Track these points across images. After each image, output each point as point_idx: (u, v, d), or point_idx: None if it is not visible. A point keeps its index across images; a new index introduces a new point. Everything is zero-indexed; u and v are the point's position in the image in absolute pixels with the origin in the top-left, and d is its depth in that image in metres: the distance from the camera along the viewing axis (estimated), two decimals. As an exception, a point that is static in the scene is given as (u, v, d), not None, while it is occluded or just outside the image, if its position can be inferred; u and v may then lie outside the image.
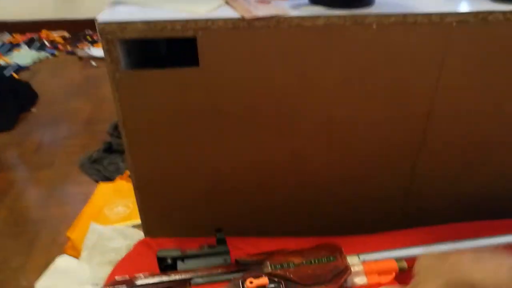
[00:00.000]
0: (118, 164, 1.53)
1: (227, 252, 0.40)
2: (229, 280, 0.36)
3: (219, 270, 0.37)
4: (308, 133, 0.53)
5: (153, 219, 0.55)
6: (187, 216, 0.50)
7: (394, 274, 0.41)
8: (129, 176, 0.53)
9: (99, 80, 2.34)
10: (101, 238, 1.00)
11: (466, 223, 0.57)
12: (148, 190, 0.54)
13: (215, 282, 0.36)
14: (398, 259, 0.43)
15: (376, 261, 0.42)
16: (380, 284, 0.38)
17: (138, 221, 1.18)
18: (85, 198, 1.34)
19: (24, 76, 2.35)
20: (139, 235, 1.09)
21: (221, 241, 0.41)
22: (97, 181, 1.45)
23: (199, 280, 0.36)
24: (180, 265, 0.39)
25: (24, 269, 1.11)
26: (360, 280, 0.40)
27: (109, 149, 1.62)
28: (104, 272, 0.89)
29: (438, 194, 0.63)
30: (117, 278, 0.36)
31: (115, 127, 1.77)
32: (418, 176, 0.59)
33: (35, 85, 2.18)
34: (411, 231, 0.55)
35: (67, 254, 1.09)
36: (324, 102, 0.50)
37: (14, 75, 2.37)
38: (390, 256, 0.43)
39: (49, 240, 1.21)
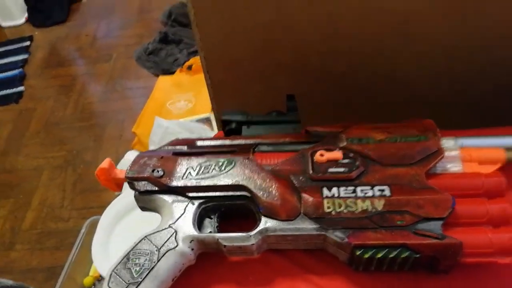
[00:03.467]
0: (176, 55, 1.57)
1: (297, 121, 0.40)
2: (297, 151, 0.37)
3: (287, 139, 0.38)
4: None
5: (226, 106, 0.56)
6: (265, 100, 0.50)
7: (499, 165, 0.38)
8: (199, 56, 0.52)
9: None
10: (166, 132, 1.09)
11: None
12: (221, 71, 0.53)
13: (281, 151, 0.37)
14: (508, 148, 0.39)
15: (478, 147, 0.39)
16: (479, 176, 0.36)
17: (201, 115, 1.26)
18: (146, 92, 1.44)
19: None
20: (204, 129, 1.17)
21: (292, 109, 0.41)
22: (156, 75, 1.53)
23: (264, 148, 0.38)
24: (244, 130, 0.41)
25: (96, 163, 1.28)
26: (454, 167, 0.38)
27: (164, 39, 1.65)
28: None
29: None
30: (178, 139, 0.39)
31: (169, 15, 1.78)
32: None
33: (82, -28, 2.21)
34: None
35: (134, 149, 1.22)
36: None
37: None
38: (497, 143, 0.40)
39: (116, 135, 1.36)
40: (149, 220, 0.87)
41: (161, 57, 1.58)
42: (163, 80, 1.43)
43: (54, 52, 1.81)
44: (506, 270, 0.33)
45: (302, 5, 0.47)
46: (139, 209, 0.93)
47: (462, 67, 0.53)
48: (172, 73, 1.48)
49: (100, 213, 0.94)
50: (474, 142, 0.40)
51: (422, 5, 0.47)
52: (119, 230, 0.92)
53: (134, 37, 1.79)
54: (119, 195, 1.02)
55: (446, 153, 0.37)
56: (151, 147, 1.13)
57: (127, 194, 0.94)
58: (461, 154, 0.38)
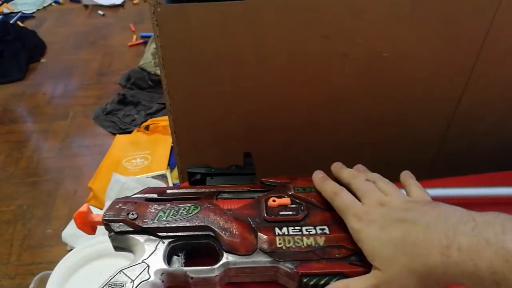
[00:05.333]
0: (133, 115, 1.61)
1: (253, 173, 0.46)
2: (253, 198, 0.43)
3: (245, 188, 0.44)
4: (351, 72, 0.56)
5: (190, 161, 0.61)
6: (224, 157, 0.56)
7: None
8: (168, 116, 0.58)
9: (107, 30, 2.39)
10: (123, 188, 1.10)
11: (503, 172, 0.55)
12: (186, 132, 0.59)
13: (240, 198, 0.43)
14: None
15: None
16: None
17: (157, 172, 1.28)
18: (102, 149, 1.44)
19: (29, 24, 2.42)
20: (160, 185, 1.20)
21: (249, 163, 0.47)
22: (112, 133, 1.55)
23: (226, 195, 0.43)
24: (208, 181, 0.46)
25: (49, 217, 1.24)
26: (379, 211, 0.45)
27: (123, 100, 1.70)
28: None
29: (477, 140, 0.66)
30: (149, 188, 0.43)
31: (128, 79, 1.85)
32: (457, 119, 0.63)
33: (42, 34, 2.25)
34: (439, 180, 0.57)
35: (90, 204, 1.20)
36: (372, 36, 0.53)
37: (20, 23, 2.44)
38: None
39: (71, 190, 1.33)
40: (100, 274, 0.86)
41: (119, 117, 1.62)
42: (121, 138, 1.46)
43: (8, 108, 1.78)
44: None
45: (251, 81, 0.56)
46: (90, 265, 0.92)
47: (379, 137, 0.64)
48: (130, 132, 1.51)
49: (50, 269, 0.90)
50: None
51: (347, 86, 0.58)
52: (71, 286, 0.89)
53: (92, 97, 1.82)
54: (71, 250, 0.99)
55: (373, 200, 0.44)
56: (107, 203, 1.12)
57: (79, 249, 0.93)
58: (385, 201, 0.45)
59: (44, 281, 0.88)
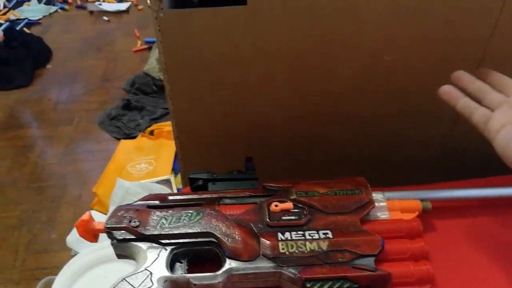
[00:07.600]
0: (138, 120, 1.62)
1: (255, 178, 0.46)
2: (255, 203, 0.42)
3: (247, 193, 0.44)
4: (352, 75, 0.56)
5: (192, 166, 0.61)
6: (227, 161, 0.56)
7: (417, 213, 0.45)
8: (171, 121, 0.58)
9: (111, 36, 2.40)
10: (127, 193, 1.11)
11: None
12: (188, 136, 0.59)
13: (242, 204, 0.42)
14: (423, 200, 0.47)
15: (400, 199, 0.47)
16: (402, 221, 0.43)
17: (161, 177, 1.28)
18: (107, 155, 1.45)
19: (35, 31, 2.44)
20: (164, 190, 1.19)
21: (250, 168, 0.47)
22: (117, 139, 1.55)
23: (228, 201, 0.43)
24: (210, 186, 0.45)
25: (53, 223, 1.24)
26: (382, 215, 0.45)
27: (127, 105, 1.70)
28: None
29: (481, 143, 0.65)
30: (151, 195, 0.43)
31: (132, 84, 1.85)
32: (461, 124, 0.62)
33: (48, 41, 2.27)
34: (444, 184, 0.56)
35: (94, 209, 1.20)
36: (373, 38, 0.52)
37: (26, 30, 2.46)
38: (415, 196, 0.48)
39: (76, 195, 1.33)
40: (105, 279, 0.85)
41: (124, 122, 1.62)
42: (125, 144, 1.46)
43: (14, 114, 1.79)
44: (425, 297, 0.39)
45: (253, 85, 0.56)
46: (95, 270, 0.92)
47: (381, 139, 0.63)
48: (134, 137, 1.51)
49: (54, 274, 0.90)
50: (397, 195, 0.47)
51: (347, 88, 0.58)
52: (76, 291, 0.89)
53: (96, 103, 1.82)
54: (75, 255, 0.99)
55: (376, 204, 0.44)
56: (112, 208, 1.12)
57: (84, 254, 0.93)
58: (388, 205, 0.45)
59: (48, 286, 0.88)
